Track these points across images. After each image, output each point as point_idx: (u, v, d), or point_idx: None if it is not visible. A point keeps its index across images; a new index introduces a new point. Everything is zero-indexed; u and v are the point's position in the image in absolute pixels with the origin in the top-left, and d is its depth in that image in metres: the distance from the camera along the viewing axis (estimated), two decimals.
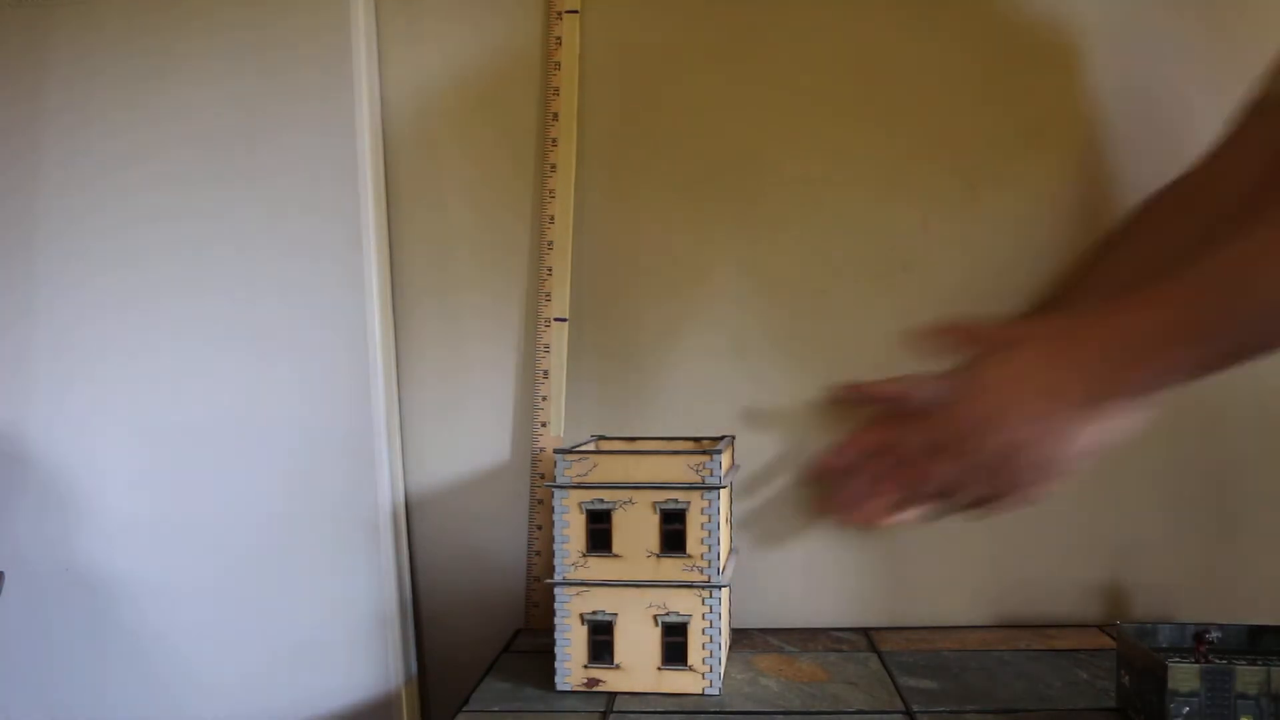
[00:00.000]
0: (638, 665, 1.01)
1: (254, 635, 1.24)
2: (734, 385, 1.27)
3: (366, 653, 1.23)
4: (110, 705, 1.26)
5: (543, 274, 1.27)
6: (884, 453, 0.92)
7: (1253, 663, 0.86)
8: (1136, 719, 0.90)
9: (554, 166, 1.26)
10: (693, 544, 0.99)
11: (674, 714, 0.97)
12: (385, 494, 1.23)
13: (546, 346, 1.26)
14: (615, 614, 1.01)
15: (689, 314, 1.27)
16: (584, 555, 1.01)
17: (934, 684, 1.03)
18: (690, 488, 0.98)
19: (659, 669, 1.01)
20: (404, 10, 1.28)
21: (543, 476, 1.26)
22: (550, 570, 1.08)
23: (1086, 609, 1.24)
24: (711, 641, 0.99)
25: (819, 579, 1.27)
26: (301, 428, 1.23)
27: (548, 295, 1.26)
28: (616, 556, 1.00)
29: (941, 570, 1.26)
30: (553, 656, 1.02)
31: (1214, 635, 0.93)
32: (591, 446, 1.15)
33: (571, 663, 1.02)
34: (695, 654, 1.00)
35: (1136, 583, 1.24)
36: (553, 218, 1.26)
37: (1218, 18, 1.22)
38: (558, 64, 1.26)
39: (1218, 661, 0.88)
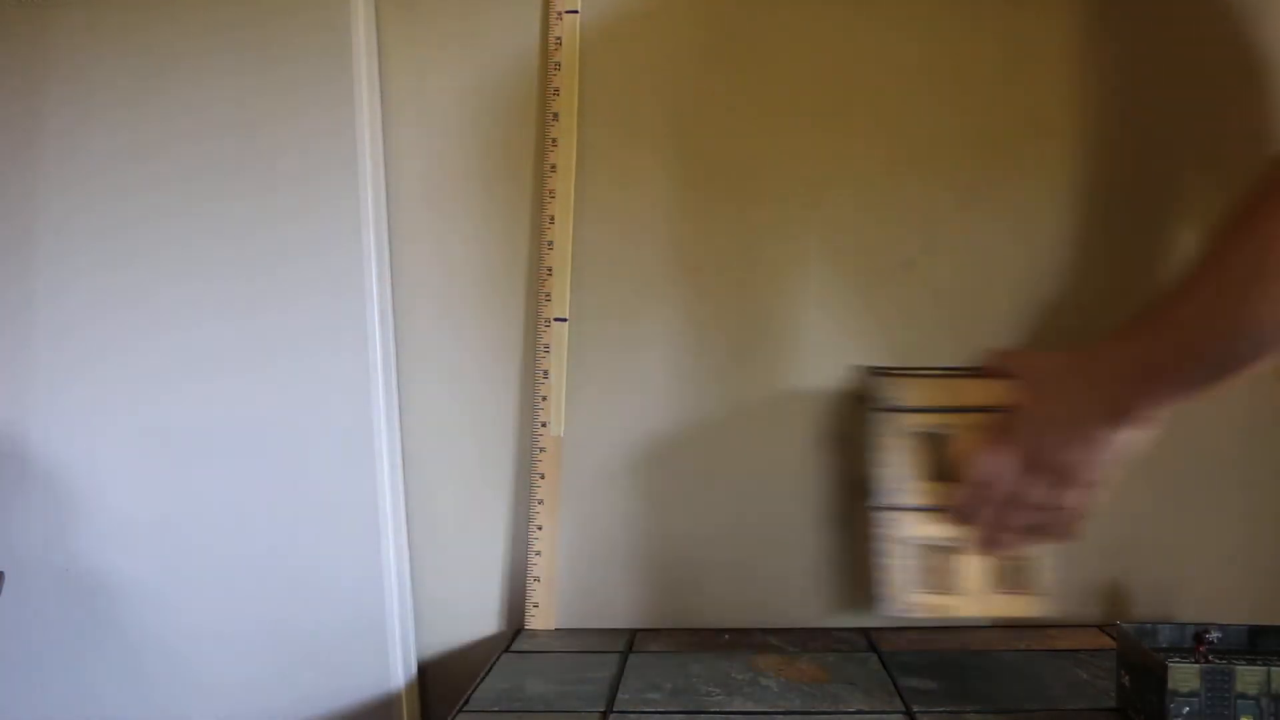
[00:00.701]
0: (972, 590, 1.00)
1: (253, 635, 1.24)
2: (735, 384, 1.27)
3: (366, 653, 1.23)
4: (109, 706, 1.26)
5: (543, 274, 1.27)
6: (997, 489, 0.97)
7: (1253, 663, 0.86)
8: (1136, 719, 0.90)
9: (554, 166, 1.26)
10: None
11: (675, 713, 0.97)
12: (385, 494, 1.23)
13: (546, 346, 1.26)
14: (950, 540, 0.98)
15: (690, 314, 1.27)
16: (914, 481, 0.99)
17: (934, 684, 1.04)
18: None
19: (993, 593, 1.00)
20: (404, 10, 1.28)
21: (543, 476, 1.26)
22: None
23: (1086, 609, 1.24)
24: (1048, 562, 0.98)
25: (819, 579, 1.27)
26: (301, 428, 1.23)
27: (548, 295, 1.26)
28: (948, 483, 0.98)
29: None
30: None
31: (1214, 635, 0.93)
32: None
33: (902, 588, 1.00)
34: (1031, 576, 0.99)
35: (1137, 583, 1.24)
36: (553, 218, 1.26)
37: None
38: (558, 64, 1.26)
39: (1218, 661, 0.88)
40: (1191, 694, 0.84)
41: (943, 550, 0.98)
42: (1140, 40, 1.23)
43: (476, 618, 1.30)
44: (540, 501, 1.26)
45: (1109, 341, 0.89)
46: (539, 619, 1.26)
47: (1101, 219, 1.23)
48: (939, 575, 0.99)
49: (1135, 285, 1.22)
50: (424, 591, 1.30)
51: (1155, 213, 1.24)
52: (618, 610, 1.28)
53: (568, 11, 1.26)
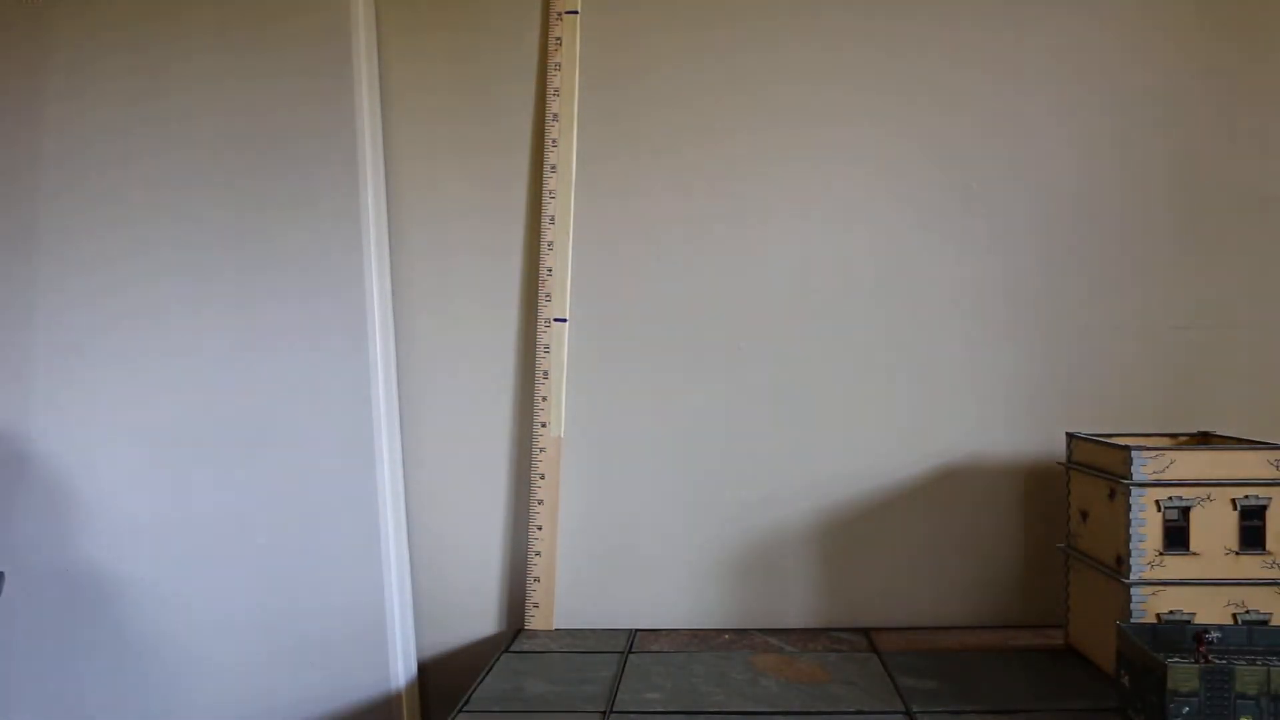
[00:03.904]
0: None
1: (254, 635, 1.24)
2: (735, 383, 1.27)
3: (366, 653, 1.23)
4: (110, 705, 1.26)
5: (543, 274, 1.27)
6: None
7: (1252, 663, 0.86)
8: (1136, 719, 0.90)
9: (554, 167, 1.26)
10: (1273, 540, 0.98)
11: (675, 714, 0.97)
12: (385, 494, 1.23)
13: (546, 347, 1.26)
14: (1193, 613, 0.99)
15: (688, 313, 1.27)
16: (1160, 554, 0.99)
17: (934, 684, 1.04)
18: (1271, 484, 0.98)
19: None
20: (404, 12, 1.28)
21: (543, 477, 1.26)
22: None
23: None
24: None
25: (819, 579, 1.27)
26: (301, 428, 1.23)
27: (548, 295, 1.26)
28: (1194, 554, 0.99)
29: (941, 570, 1.26)
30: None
31: (1214, 635, 0.93)
32: (1167, 443, 1.14)
33: None
34: None
35: None
36: (553, 218, 1.26)
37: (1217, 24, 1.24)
38: (558, 64, 1.26)
39: (1218, 661, 0.88)
40: (1191, 694, 0.84)
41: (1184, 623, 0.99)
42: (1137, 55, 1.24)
43: (476, 618, 1.30)
44: (540, 501, 1.26)
45: None
46: (539, 619, 1.26)
47: (1096, 217, 1.24)
48: None
49: None
50: (424, 591, 1.30)
51: None
52: (618, 610, 1.28)
53: (568, 12, 1.26)
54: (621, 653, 1.16)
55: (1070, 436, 1.14)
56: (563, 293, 1.26)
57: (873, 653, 1.15)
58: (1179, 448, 1.05)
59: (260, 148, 1.24)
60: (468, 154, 1.28)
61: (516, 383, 1.29)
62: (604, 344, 1.28)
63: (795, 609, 1.27)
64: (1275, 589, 0.98)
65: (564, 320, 1.26)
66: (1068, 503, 1.15)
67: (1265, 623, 0.98)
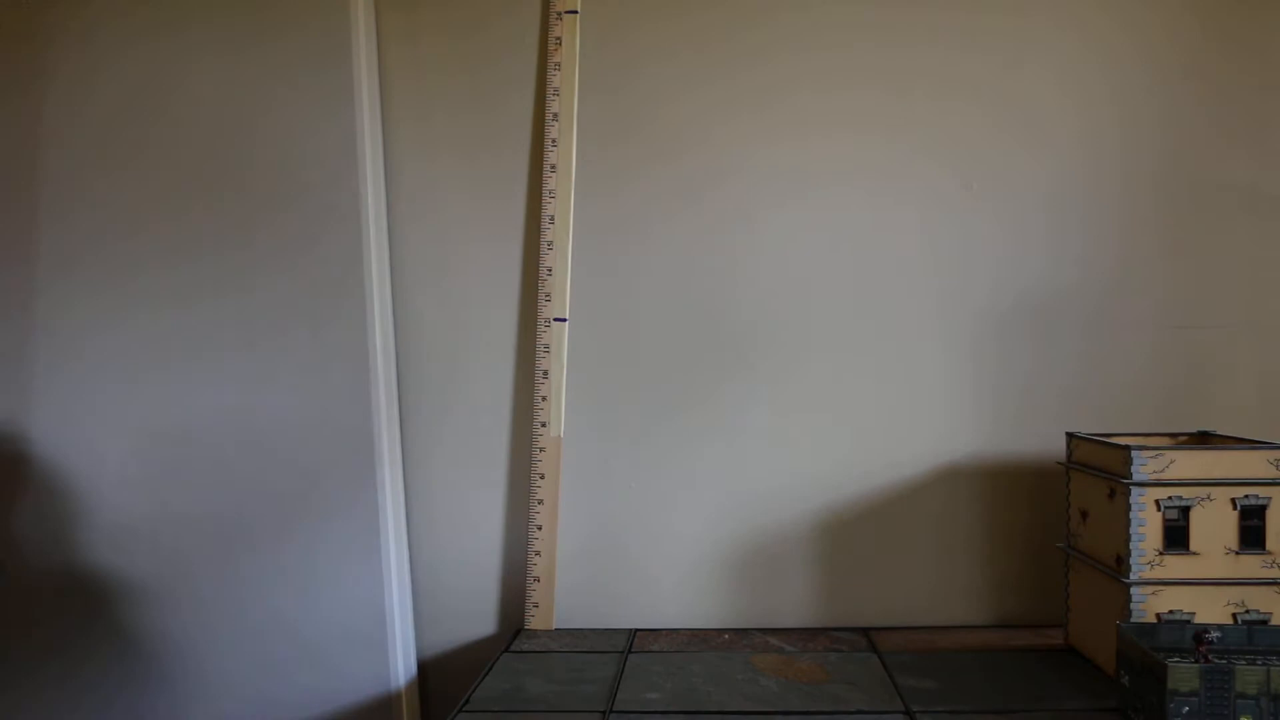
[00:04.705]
0: None
1: (254, 635, 1.24)
2: (734, 383, 1.27)
3: (366, 653, 1.23)
4: (109, 705, 1.26)
5: (542, 274, 1.27)
6: None
7: (1252, 663, 0.86)
8: (1136, 719, 0.90)
9: (554, 167, 1.26)
10: (1273, 540, 0.98)
11: (675, 714, 0.97)
12: (385, 494, 1.23)
13: (546, 346, 1.26)
14: (1192, 613, 0.99)
15: (688, 313, 1.27)
16: (1160, 554, 0.99)
17: (934, 684, 1.04)
18: (1271, 483, 0.98)
19: None
20: (403, 10, 1.28)
21: (543, 477, 1.26)
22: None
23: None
24: None
25: (819, 579, 1.27)
26: (301, 428, 1.23)
27: (548, 295, 1.26)
28: (1194, 554, 0.99)
29: (941, 570, 1.26)
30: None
31: (1214, 635, 0.93)
32: (1166, 443, 1.14)
33: None
34: None
35: None
36: (553, 218, 1.26)
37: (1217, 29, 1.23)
38: (558, 64, 1.26)
39: (1218, 661, 0.88)
40: (1191, 694, 0.84)
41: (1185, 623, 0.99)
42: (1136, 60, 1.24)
43: (476, 618, 1.30)
44: (540, 501, 1.26)
45: None
46: (538, 619, 1.26)
47: (1094, 219, 1.24)
48: None
49: None
50: (424, 591, 1.30)
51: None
52: (618, 610, 1.28)
53: (568, 12, 1.26)
54: (621, 653, 1.16)
55: (1070, 436, 1.14)
56: (563, 292, 1.26)
57: (873, 653, 1.15)
58: (1179, 447, 1.05)
59: (259, 149, 1.24)
60: (467, 153, 1.28)
61: (516, 383, 1.29)
62: (604, 344, 1.28)
63: (795, 609, 1.27)
64: (1275, 589, 0.98)
65: (564, 320, 1.26)
66: (1068, 502, 1.15)
67: (1265, 623, 0.98)
